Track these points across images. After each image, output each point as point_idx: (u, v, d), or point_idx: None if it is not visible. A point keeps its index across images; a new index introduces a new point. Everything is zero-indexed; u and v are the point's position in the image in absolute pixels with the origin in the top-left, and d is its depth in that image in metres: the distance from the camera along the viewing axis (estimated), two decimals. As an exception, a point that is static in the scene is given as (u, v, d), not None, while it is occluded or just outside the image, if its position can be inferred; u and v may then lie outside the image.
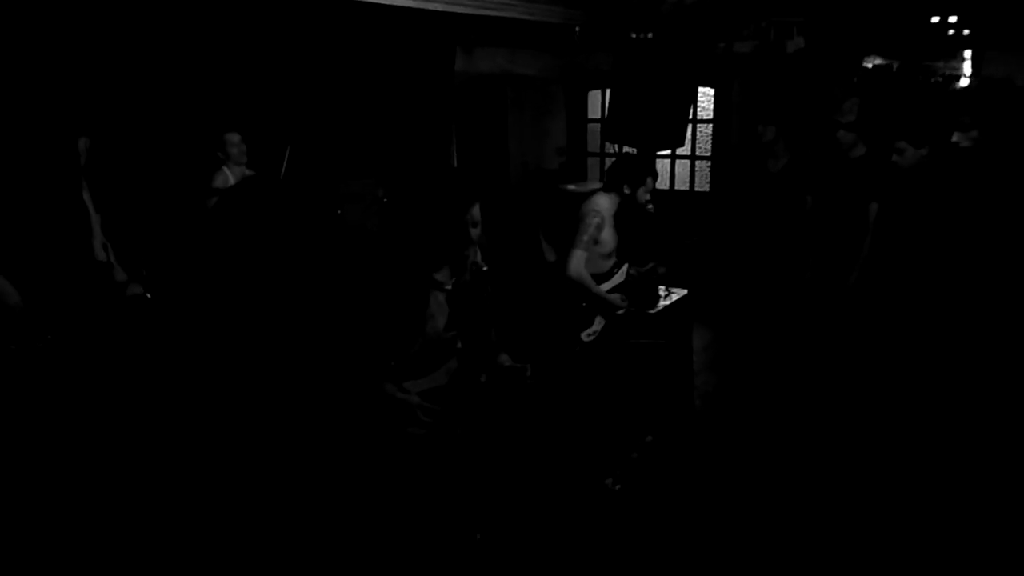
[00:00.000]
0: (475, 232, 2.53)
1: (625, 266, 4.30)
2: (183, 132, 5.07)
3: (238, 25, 5.27)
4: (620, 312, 4.17)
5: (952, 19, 6.17)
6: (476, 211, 2.52)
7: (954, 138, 5.83)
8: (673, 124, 5.53)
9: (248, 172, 5.09)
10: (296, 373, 4.06)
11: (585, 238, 3.96)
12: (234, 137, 4.99)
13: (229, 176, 4.98)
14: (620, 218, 4.16)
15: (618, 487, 3.78)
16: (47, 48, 4.38)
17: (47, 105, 4.29)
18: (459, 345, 2.67)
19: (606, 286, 4.14)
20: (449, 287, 2.59)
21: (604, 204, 4.07)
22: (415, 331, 2.50)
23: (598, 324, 4.17)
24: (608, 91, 7.86)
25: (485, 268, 2.66)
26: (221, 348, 4.22)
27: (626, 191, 4.08)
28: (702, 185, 8.52)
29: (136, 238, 4.51)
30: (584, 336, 4.17)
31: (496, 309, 2.77)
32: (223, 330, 4.30)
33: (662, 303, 4.48)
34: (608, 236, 4.06)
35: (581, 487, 3.71)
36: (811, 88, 6.52)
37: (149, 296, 4.38)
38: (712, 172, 8.37)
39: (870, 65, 6.66)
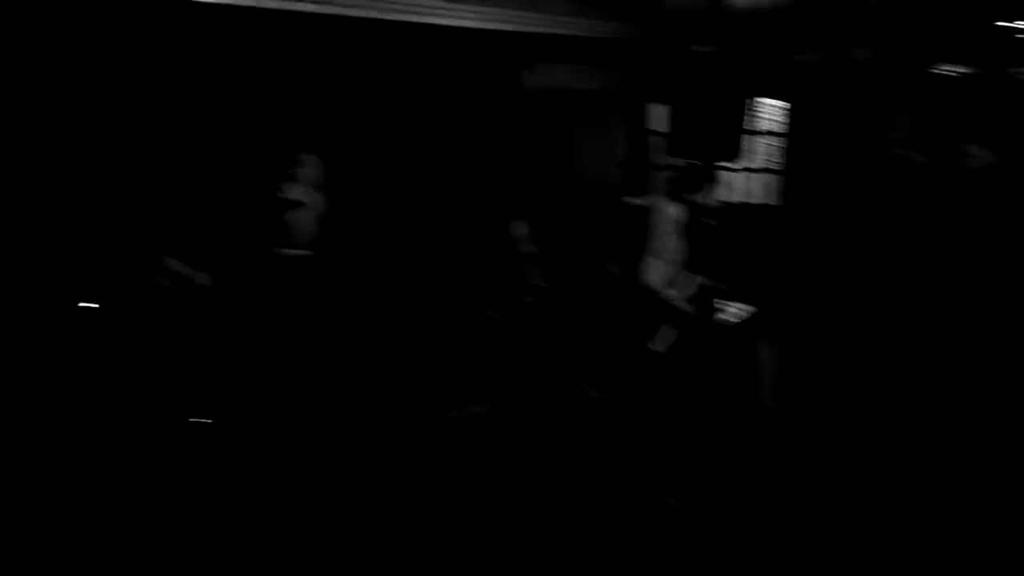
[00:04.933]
0: (526, 248, 2.53)
1: (695, 277, 4.26)
2: (260, 149, 5.30)
3: (312, 46, 5.47)
4: (688, 324, 4.13)
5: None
6: (523, 226, 2.52)
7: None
8: (729, 136, 5.48)
9: (318, 191, 5.27)
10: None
11: (658, 246, 3.97)
12: (308, 158, 5.18)
13: (295, 195, 5.15)
14: (686, 228, 4.14)
15: (675, 503, 3.73)
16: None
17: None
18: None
19: (675, 295, 4.12)
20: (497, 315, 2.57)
21: (672, 213, 4.08)
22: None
23: (668, 335, 4.14)
24: (668, 104, 7.80)
25: (542, 285, 2.66)
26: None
27: (690, 200, 4.08)
28: (772, 199, 8.34)
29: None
30: (654, 348, 4.14)
31: (566, 341, 2.76)
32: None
33: (728, 318, 4.42)
34: (678, 245, 4.05)
35: (640, 503, 3.68)
36: (874, 101, 6.35)
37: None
38: (782, 185, 8.19)
39: (942, 73, 6.43)
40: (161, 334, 4.45)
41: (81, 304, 4.29)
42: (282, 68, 5.42)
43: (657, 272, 4.00)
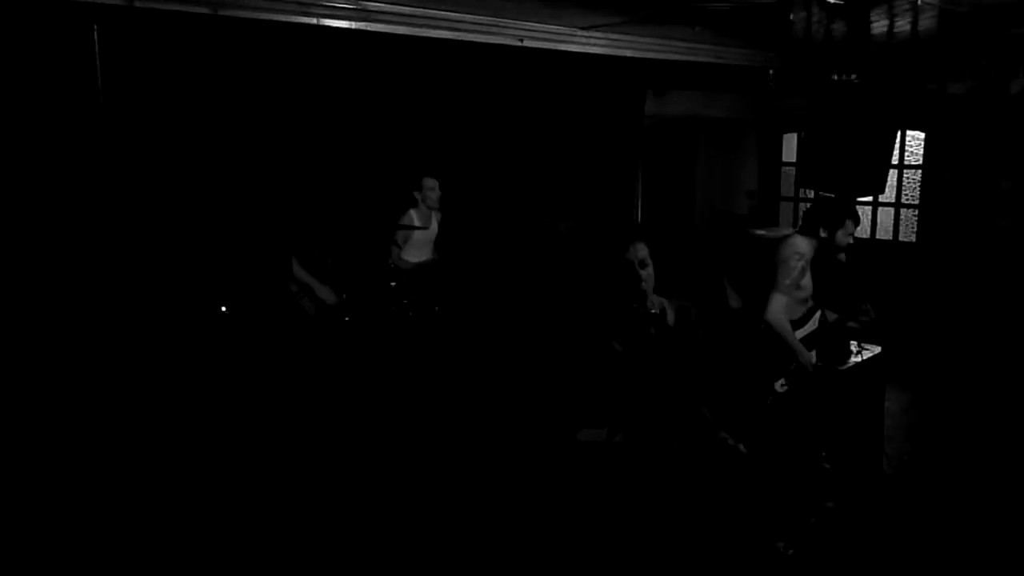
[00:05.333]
0: (645, 274, 2.49)
1: (819, 313, 4.08)
2: (385, 174, 5.53)
3: (444, 75, 5.67)
4: (812, 365, 3.96)
5: None
6: (641, 249, 2.45)
7: None
8: (874, 169, 5.22)
9: (437, 215, 5.45)
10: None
11: (788, 282, 3.80)
12: (430, 182, 5.37)
13: (415, 218, 5.34)
14: (816, 264, 3.97)
15: (791, 552, 3.57)
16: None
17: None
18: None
19: (800, 333, 3.96)
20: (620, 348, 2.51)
21: (803, 247, 3.90)
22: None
23: (791, 375, 3.98)
24: (804, 134, 7.56)
25: (655, 311, 2.60)
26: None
27: (823, 235, 3.90)
28: (907, 235, 7.90)
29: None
30: (778, 387, 3.99)
31: (700, 373, 2.68)
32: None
33: (853, 359, 4.21)
34: (807, 281, 3.89)
35: (753, 548, 3.54)
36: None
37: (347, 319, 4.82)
38: (920, 222, 7.75)
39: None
40: (288, 340, 4.70)
41: (222, 308, 4.61)
42: (412, 93, 5.63)
43: (781, 309, 3.84)
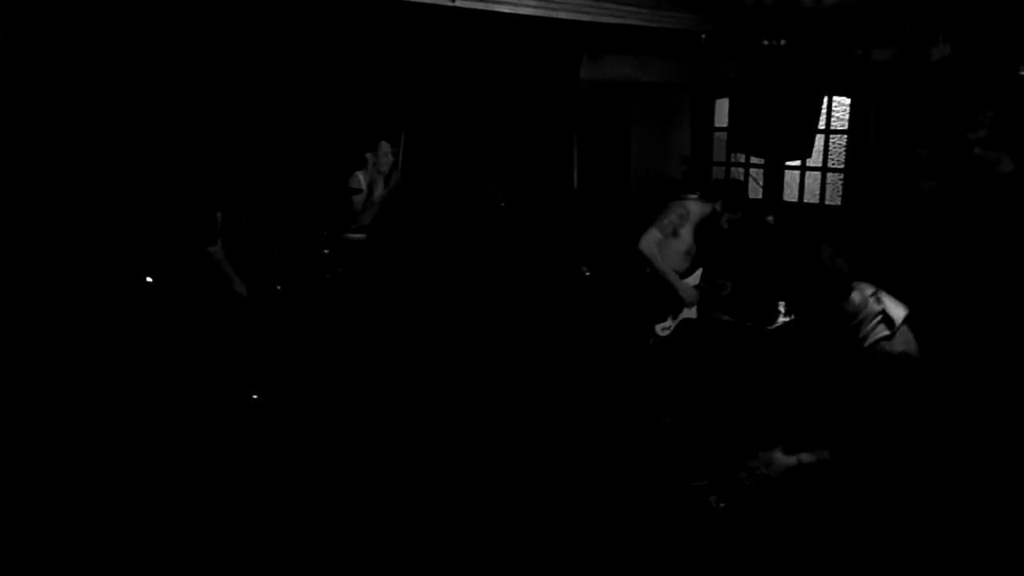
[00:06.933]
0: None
1: (699, 271, 4.28)
2: (333, 133, 5.41)
3: (374, 34, 5.52)
4: (693, 304, 4.17)
5: None
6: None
7: None
8: (802, 134, 5.33)
9: (382, 178, 5.36)
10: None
11: (665, 222, 4.08)
12: (385, 146, 5.28)
13: (362, 180, 5.24)
14: (703, 228, 4.21)
15: (722, 505, 3.66)
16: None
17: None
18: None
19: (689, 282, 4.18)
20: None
21: (693, 208, 4.17)
22: None
23: (671, 320, 4.15)
24: (735, 99, 7.65)
25: (588, 273, 2.65)
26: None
27: (716, 208, 4.16)
28: (833, 199, 8.12)
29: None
30: (659, 330, 4.16)
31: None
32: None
33: (781, 319, 4.33)
34: (687, 235, 4.13)
35: (681, 501, 3.62)
36: (954, 100, 6.07)
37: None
38: (845, 186, 7.97)
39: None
40: (218, 310, 4.55)
41: (147, 279, 4.41)
42: (338, 54, 5.48)
43: (653, 242, 4.05)
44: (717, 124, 8.68)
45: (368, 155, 5.28)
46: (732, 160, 8.62)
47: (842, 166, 7.93)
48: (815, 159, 7.49)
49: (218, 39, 4.82)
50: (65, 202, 4.37)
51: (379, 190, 5.40)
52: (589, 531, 3.22)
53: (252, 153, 5.06)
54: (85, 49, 4.34)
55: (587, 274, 2.56)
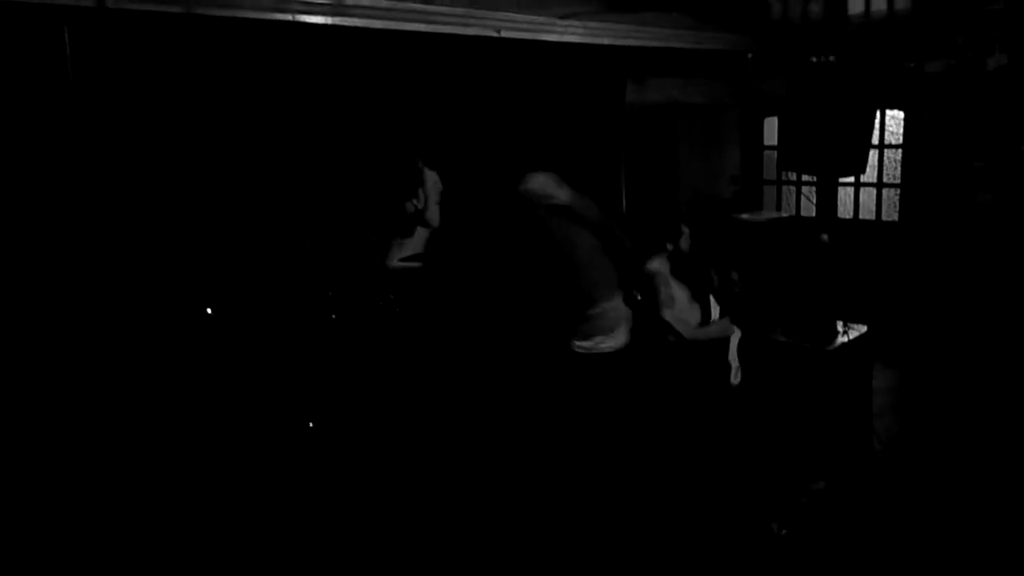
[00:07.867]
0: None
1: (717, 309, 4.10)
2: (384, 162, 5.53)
3: (424, 67, 5.64)
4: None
5: None
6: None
7: None
8: (855, 150, 5.23)
9: (435, 207, 5.44)
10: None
11: (661, 299, 3.88)
12: (433, 175, 5.37)
13: (414, 208, 5.33)
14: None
15: (784, 532, 3.59)
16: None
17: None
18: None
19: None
20: None
21: (657, 266, 3.99)
22: None
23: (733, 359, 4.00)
24: (784, 117, 7.56)
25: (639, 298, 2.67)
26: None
27: (670, 248, 4.04)
28: (890, 215, 7.94)
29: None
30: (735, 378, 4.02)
31: None
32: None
33: (840, 339, 4.25)
34: (676, 292, 3.94)
35: (745, 529, 3.56)
36: (1009, 110, 5.90)
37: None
38: (901, 201, 7.79)
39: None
40: (275, 341, 4.66)
41: (207, 310, 4.55)
42: (390, 89, 5.60)
43: (677, 320, 3.89)
44: (766, 143, 8.59)
45: (419, 183, 5.34)
46: (784, 178, 8.52)
47: (897, 181, 7.76)
48: (869, 175, 7.34)
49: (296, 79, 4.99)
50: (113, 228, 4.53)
51: (431, 219, 5.46)
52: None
53: (313, 182, 5.19)
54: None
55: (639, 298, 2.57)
